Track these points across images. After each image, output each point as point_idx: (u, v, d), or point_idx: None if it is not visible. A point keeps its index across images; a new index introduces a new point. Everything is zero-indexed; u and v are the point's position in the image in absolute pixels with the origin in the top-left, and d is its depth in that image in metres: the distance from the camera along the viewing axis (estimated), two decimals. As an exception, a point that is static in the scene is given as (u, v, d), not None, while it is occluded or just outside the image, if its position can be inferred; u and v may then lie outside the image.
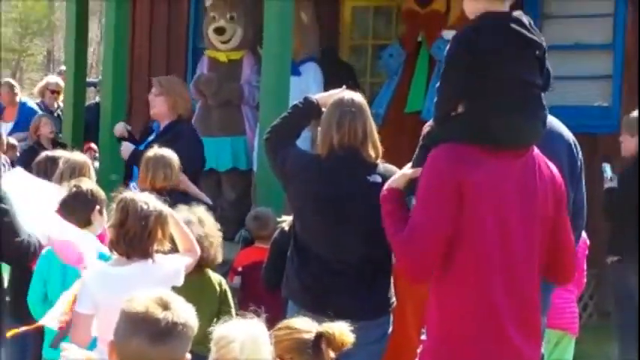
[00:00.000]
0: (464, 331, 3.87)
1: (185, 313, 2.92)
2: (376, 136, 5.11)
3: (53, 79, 12.89)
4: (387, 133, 8.51)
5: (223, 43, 9.98)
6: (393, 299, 5.17)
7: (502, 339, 3.87)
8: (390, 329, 5.17)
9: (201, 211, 5.47)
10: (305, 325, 3.58)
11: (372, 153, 5.05)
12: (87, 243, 4.69)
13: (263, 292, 5.79)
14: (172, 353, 2.89)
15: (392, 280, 5.20)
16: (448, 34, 8.38)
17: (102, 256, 4.92)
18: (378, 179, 4.92)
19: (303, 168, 5.13)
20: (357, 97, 5.13)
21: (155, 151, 6.47)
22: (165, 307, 2.88)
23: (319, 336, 3.53)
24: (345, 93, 5.18)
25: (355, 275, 4.99)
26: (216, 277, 5.50)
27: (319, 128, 5.17)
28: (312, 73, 9.31)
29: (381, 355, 5.11)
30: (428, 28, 8.90)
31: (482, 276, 3.85)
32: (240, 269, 6.73)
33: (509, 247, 3.87)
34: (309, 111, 5.23)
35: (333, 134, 5.01)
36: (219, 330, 3.62)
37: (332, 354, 3.54)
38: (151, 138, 7.73)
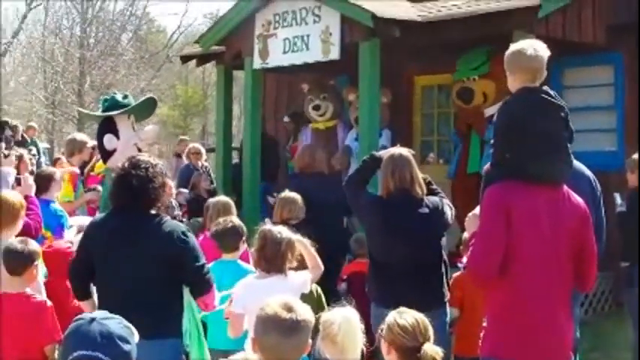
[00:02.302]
0: (513, 319, 3.81)
1: (305, 312, 2.92)
2: (421, 178, 5.13)
3: (192, 144, 12.81)
4: (458, 184, 8.67)
5: (320, 116, 10.09)
6: (447, 295, 5.13)
7: (542, 324, 3.80)
8: (448, 318, 5.14)
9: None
10: (415, 333, 3.43)
11: (419, 191, 5.08)
12: None
13: (362, 292, 5.70)
14: (298, 343, 2.89)
15: (445, 280, 5.14)
16: (489, 110, 8.51)
17: (247, 272, 4.95)
18: (426, 210, 5.03)
19: (371, 205, 5.17)
20: (404, 151, 5.19)
21: (284, 193, 6.50)
22: (290, 310, 2.88)
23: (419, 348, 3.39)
24: (394, 150, 5.25)
25: (414, 278, 4.97)
26: (314, 286, 5.28)
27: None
28: (388, 135, 9.44)
29: (446, 341, 5.01)
30: (474, 118, 8.86)
31: (524, 281, 3.80)
32: (345, 277, 6.70)
33: (545, 259, 3.80)
34: (373, 163, 5.28)
35: (389, 181, 5.05)
36: (324, 315, 3.59)
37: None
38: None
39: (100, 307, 4.19)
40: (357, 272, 6.34)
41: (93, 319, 2.70)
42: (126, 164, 4.27)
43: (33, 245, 4.64)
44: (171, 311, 4.20)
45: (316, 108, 10.08)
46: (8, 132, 11.78)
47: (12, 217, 4.89)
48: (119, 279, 4.15)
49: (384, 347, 3.47)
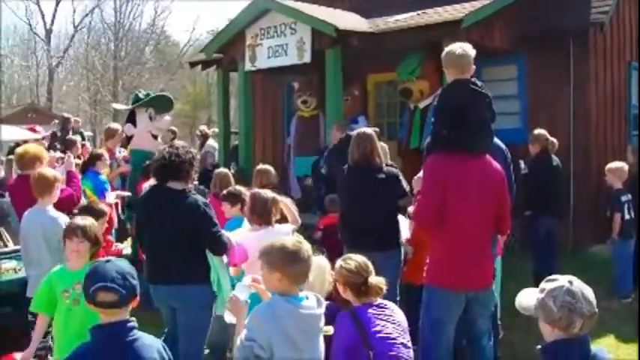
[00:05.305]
0: (449, 256, 3.76)
1: (307, 246, 2.94)
2: (380, 150, 4.99)
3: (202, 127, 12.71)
4: (403, 156, 8.51)
5: (306, 107, 9.90)
6: (400, 239, 4.99)
7: (471, 260, 3.75)
8: (402, 257, 5.00)
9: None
10: (359, 271, 3.34)
11: (378, 161, 4.94)
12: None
13: (333, 239, 5.57)
14: (308, 267, 2.90)
15: (400, 227, 5.00)
16: (424, 102, 8.50)
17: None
18: (383, 175, 4.88)
19: (342, 171, 5.04)
20: (368, 130, 5.06)
21: (260, 166, 6.33)
22: (301, 243, 2.92)
23: (366, 282, 3.32)
24: (360, 129, 5.11)
25: (373, 227, 4.85)
26: (296, 234, 5.19)
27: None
28: (364, 120, 9.26)
29: (398, 274, 4.90)
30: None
31: (458, 227, 3.71)
32: (321, 227, 6.54)
33: (473, 211, 3.73)
34: (347, 140, 5.09)
35: (355, 152, 4.91)
36: None
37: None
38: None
39: (148, 263, 4.21)
40: (329, 224, 6.20)
41: (108, 261, 2.68)
42: (164, 150, 4.20)
43: (99, 205, 4.88)
44: (198, 265, 4.07)
45: (304, 102, 10.00)
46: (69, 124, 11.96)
47: (48, 187, 4.68)
48: (157, 241, 4.10)
49: (340, 288, 3.38)
